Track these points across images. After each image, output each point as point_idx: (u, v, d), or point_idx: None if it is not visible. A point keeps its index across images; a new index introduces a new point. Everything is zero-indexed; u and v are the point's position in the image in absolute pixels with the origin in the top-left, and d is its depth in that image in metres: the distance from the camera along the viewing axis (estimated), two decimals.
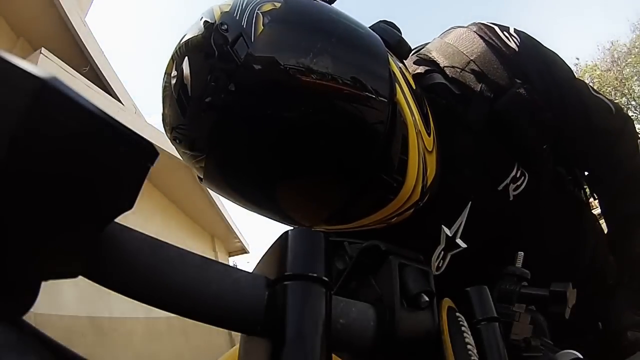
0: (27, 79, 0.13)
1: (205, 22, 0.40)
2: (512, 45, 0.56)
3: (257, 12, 0.39)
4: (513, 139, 0.55)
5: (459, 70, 0.55)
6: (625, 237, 0.64)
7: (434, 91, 0.54)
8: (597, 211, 0.73)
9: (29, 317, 0.15)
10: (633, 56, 12.10)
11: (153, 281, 0.19)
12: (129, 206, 0.16)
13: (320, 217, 0.46)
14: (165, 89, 0.42)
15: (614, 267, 0.67)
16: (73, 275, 0.17)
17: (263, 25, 0.38)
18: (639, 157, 0.64)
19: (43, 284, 0.16)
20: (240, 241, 6.60)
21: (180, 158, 0.45)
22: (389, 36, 0.47)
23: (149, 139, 0.15)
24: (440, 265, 0.56)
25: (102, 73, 4.14)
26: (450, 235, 0.56)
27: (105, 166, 0.15)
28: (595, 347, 0.61)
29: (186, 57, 0.40)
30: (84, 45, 3.89)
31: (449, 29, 0.62)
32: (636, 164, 0.63)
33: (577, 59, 12.66)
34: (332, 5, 0.45)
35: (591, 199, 0.72)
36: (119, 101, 4.05)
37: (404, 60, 0.49)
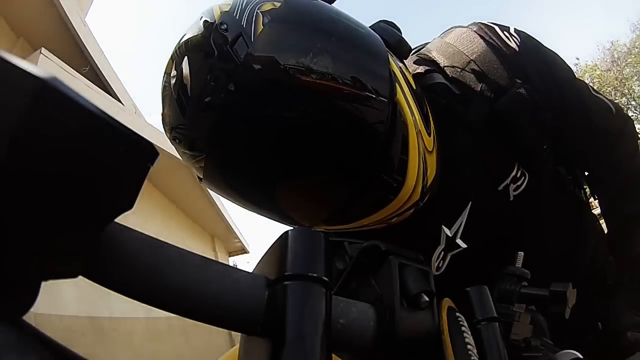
0: (27, 79, 0.13)
1: (205, 21, 0.40)
2: (512, 45, 0.56)
3: (256, 12, 0.39)
4: (513, 139, 0.55)
5: (459, 70, 0.55)
6: (625, 238, 0.64)
7: (434, 91, 0.54)
8: (597, 211, 0.73)
9: (29, 317, 0.15)
10: (633, 56, 12.10)
11: (153, 281, 0.19)
12: (129, 206, 0.16)
13: (320, 217, 0.46)
14: (164, 88, 0.42)
15: (614, 267, 0.67)
16: (73, 275, 0.17)
17: (263, 24, 0.38)
18: (639, 158, 0.64)
19: (43, 284, 0.16)
20: (240, 241, 6.60)
21: (180, 158, 0.45)
22: (389, 36, 0.47)
23: (149, 139, 0.15)
24: (440, 265, 0.56)
25: (102, 73, 4.14)
26: (450, 235, 0.56)
27: (105, 166, 0.15)
28: (595, 347, 0.61)
29: (186, 57, 0.40)
30: (84, 45, 3.89)
31: (449, 29, 0.62)
32: (636, 164, 0.63)
33: (577, 59, 12.67)
34: (332, 5, 0.45)
35: (591, 199, 0.72)
36: (119, 101, 4.05)
37: (404, 60, 0.49)
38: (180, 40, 0.42)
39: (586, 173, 0.69)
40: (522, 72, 0.55)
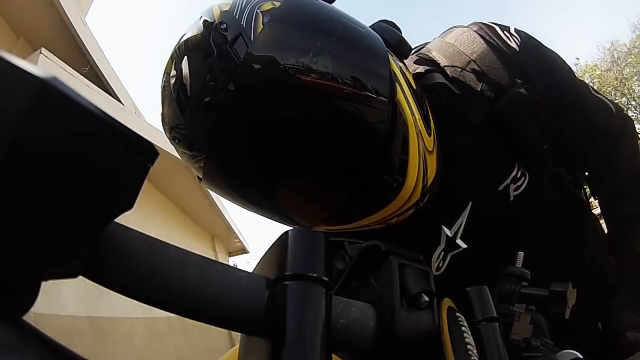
0: (27, 79, 0.13)
1: (205, 21, 0.40)
2: (512, 45, 0.56)
3: (256, 11, 0.39)
4: (514, 139, 0.55)
5: (459, 69, 0.55)
6: (625, 238, 0.64)
7: (434, 91, 0.54)
8: (597, 211, 0.73)
9: (29, 317, 0.15)
10: (633, 56, 12.10)
11: (153, 281, 0.19)
12: (129, 206, 0.16)
13: (320, 218, 0.46)
14: (164, 88, 0.42)
15: (614, 267, 0.67)
16: (73, 275, 0.17)
17: (263, 24, 0.38)
18: (639, 158, 0.64)
19: (43, 284, 0.16)
20: (240, 241, 6.60)
21: (180, 158, 0.45)
22: (389, 36, 0.47)
23: (149, 139, 0.15)
24: (440, 265, 0.56)
25: (102, 73, 4.14)
26: (450, 235, 0.56)
27: (105, 166, 0.15)
28: (595, 347, 0.61)
29: (185, 57, 0.40)
30: (84, 45, 3.89)
31: (450, 29, 0.62)
32: (636, 165, 0.63)
33: (577, 59, 12.67)
34: (332, 4, 0.45)
35: (591, 199, 0.72)
36: (119, 101, 4.05)
37: (404, 60, 0.49)
38: (180, 40, 0.42)
39: (586, 173, 0.69)
40: (522, 72, 0.55)
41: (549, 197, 0.62)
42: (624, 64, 12.28)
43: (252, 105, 0.38)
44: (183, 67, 0.39)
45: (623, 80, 12.17)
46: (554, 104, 0.56)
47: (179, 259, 0.20)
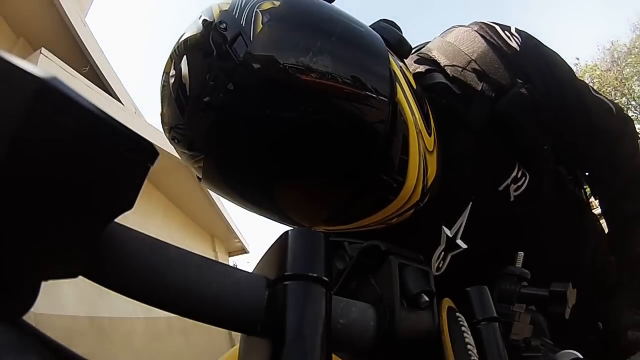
0: (27, 79, 0.13)
1: (204, 20, 0.40)
2: (513, 45, 0.56)
3: (256, 11, 0.39)
4: (514, 139, 0.55)
5: (459, 69, 0.55)
6: (625, 237, 0.64)
7: (434, 91, 0.54)
8: (597, 211, 0.73)
9: (29, 317, 0.15)
10: (633, 56, 12.11)
11: (153, 281, 0.19)
12: (129, 206, 0.16)
13: (320, 218, 0.46)
14: (163, 88, 0.42)
15: (614, 267, 0.67)
16: (73, 275, 0.17)
17: (262, 23, 0.38)
18: (639, 158, 0.64)
19: (43, 284, 0.16)
20: (240, 241, 6.59)
21: (180, 158, 0.45)
22: (390, 35, 0.47)
23: (149, 139, 0.15)
24: (440, 265, 0.56)
25: (102, 73, 4.13)
26: (450, 235, 0.56)
27: (105, 166, 0.15)
28: (596, 347, 0.61)
29: (185, 56, 0.40)
30: (84, 45, 3.89)
31: (450, 28, 0.62)
32: (636, 165, 0.63)
33: (577, 59, 12.67)
34: (332, 3, 0.45)
35: (591, 199, 0.72)
36: (119, 101, 4.05)
37: (405, 60, 0.49)
38: (179, 39, 0.42)
39: (586, 173, 0.69)
40: (523, 72, 0.55)
41: (550, 197, 0.62)
42: (624, 64, 12.28)
43: (251, 105, 0.38)
44: (182, 66, 0.39)
45: (623, 80, 12.17)
46: (555, 104, 0.56)
47: (178, 259, 0.20)
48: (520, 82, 0.54)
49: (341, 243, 0.45)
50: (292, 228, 0.24)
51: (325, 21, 0.41)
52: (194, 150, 0.42)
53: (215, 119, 0.39)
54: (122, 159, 0.15)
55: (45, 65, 2.73)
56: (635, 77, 12.17)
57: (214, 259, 0.25)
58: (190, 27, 0.41)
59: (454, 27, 0.62)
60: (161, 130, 0.45)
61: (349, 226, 0.48)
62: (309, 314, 0.20)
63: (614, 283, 0.66)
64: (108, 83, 4.18)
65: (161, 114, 0.44)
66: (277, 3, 0.40)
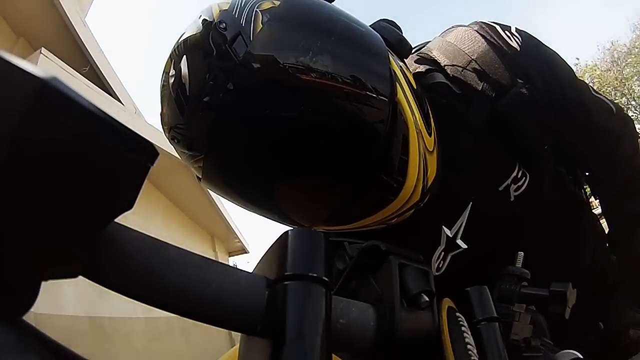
0: (27, 79, 0.13)
1: (204, 20, 0.40)
2: (513, 45, 0.56)
3: (256, 11, 0.39)
4: (514, 139, 0.55)
5: (460, 69, 0.55)
6: (625, 237, 0.64)
7: (434, 90, 0.54)
8: (597, 211, 0.73)
9: (29, 317, 0.15)
10: (633, 56, 12.11)
11: (153, 281, 0.19)
12: (129, 206, 0.16)
13: (320, 218, 0.46)
14: (163, 88, 0.42)
15: (614, 267, 0.67)
16: (73, 275, 0.17)
17: (262, 23, 0.38)
18: (639, 158, 0.64)
19: (43, 284, 0.16)
20: (240, 241, 6.59)
21: (180, 158, 0.45)
22: (390, 35, 0.47)
23: (149, 139, 0.15)
24: (440, 265, 0.56)
25: (102, 73, 4.14)
26: (450, 236, 0.56)
27: (105, 166, 0.15)
28: (596, 347, 0.61)
29: (184, 56, 0.40)
30: (84, 45, 3.89)
31: (450, 28, 0.62)
32: (636, 165, 0.63)
33: (577, 59, 12.68)
34: (332, 3, 0.45)
35: (591, 199, 0.72)
36: (119, 101, 4.05)
37: (405, 59, 0.49)
38: (179, 39, 0.41)
39: (586, 173, 0.69)
40: (523, 72, 0.55)
41: (550, 197, 0.62)
42: (624, 64, 12.29)
43: (251, 105, 0.38)
44: (182, 66, 0.39)
45: (623, 80, 12.17)
46: (555, 104, 0.56)
47: (178, 259, 0.20)
48: (521, 82, 0.54)
49: (341, 243, 0.45)
50: (292, 228, 0.24)
51: (325, 21, 0.41)
52: (193, 150, 0.42)
53: (215, 119, 0.39)
54: (122, 159, 0.15)
55: (45, 65, 2.73)
56: (635, 77, 12.18)
57: (214, 259, 0.25)
58: (190, 26, 0.41)
59: (454, 26, 0.62)
60: (161, 130, 0.45)
61: (349, 226, 0.48)
62: (309, 314, 0.20)
63: (614, 283, 0.66)
64: (108, 83, 4.18)
65: (161, 114, 0.44)
66: (277, 3, 0.40)
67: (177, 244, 0.21)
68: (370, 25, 0.47)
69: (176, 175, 3.79)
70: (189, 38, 0.40)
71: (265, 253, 0.24)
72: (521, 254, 0.48)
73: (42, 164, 0.13)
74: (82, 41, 3.85)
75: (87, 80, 3.33)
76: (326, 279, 0.21)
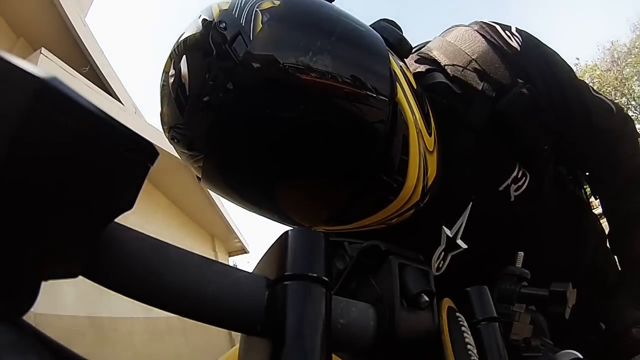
0: (27, 79, 0.13)
1: (204, 20, 0.40)
2: (514, 45, 0.56)
3: (256, 10, 0.39)
4: (515, 139, 0.55)
5: (460, 69, 0.55)
6: (625, 236, 0.64)
7: (435, 90, 0.54)
8: (597, 211, 0.73)
9: (29, 317, 0.15)
10: (633, 56, 12.12)
11: (153, 281, 0.19)
12: (129, 206, 0.16)
13: (320, 218, 0.46)
14: (163, 87, 0.42)
15: (615, 267, 0.67)
16: (73, 275, 0.17)
17: (262, 23, 0.38)
18: (639, 158, 0.64)
19: (43, 284, 0.16)
20: (240, 241, 6.60)
21: (180, 157, 0.45)
22: (390, 35, 0.47)
23: (149, 139, 0.15)
24: (440, 265, 0.56)
25: (102, 73, 4.14)
26: (450, 236, 0.56)
27: (105, 166, 0.15)
28: (597, 347, 0.61)
29: (184, 56, 0.40)
30: (84, 45, 3.89)
31: (450, 28, 0.62)
32: (636, 165, 0.63)
33: (577, 59, 12.68)
34: (332, 3, 0.44)
35: (591, 199, 0.72)
36: (119, 101, 4.05)
37: (405, 59, 0.49)
38: (179, 38, 0.41)
39: (586, 173, 0.69)
40: (523, 72, 0.55)
41: (550, 197, 0.62)
42: (624, 64, 12.29)
43: (251, 105, 0.38)
44: (182, 66, 0.39)
45: (623, 80, 12.18)
46: (555, 104, 0.56)
47: (178, 259, 0.20)
48: (521, 82, 0.54)
49: (341, 243, 0.45)
50: (292, 228, 0.24)
51: (325, 21, 0.41)
52: (193, 150, 0.42)
53: (214, 119, 0.39)
54: (122, 159, 0.15)
55: (45, 65, 2.73)
56: (635, 77, 12.18)
57: (213, 259, 0.25)
58: (189, 26, 0.41)
59: (454, 26, 0.62)
60: (161, 130, 0.45)
61: (349, 226, 0.48)
62: (309, 314, 0.20)
63: (614, 283, 0.66)
64: (108, 83, 4.18)
65: (161, 114, 0.44)
66: (277, 2, 0.39)
67: (177, 244, 0.21)
68: (370, 25, 0.47)
69: (176, 175, 3.79)
70: (188, 38, 0.40)
71: (265, 253, 0.24)
72: (521, 254, 0.48)
73: (42, 164, 0.13)
74: (82, 41, 3.86)
75: (87, 80, 3.33)
76: (326, 279, 0.21)
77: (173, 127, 0.42)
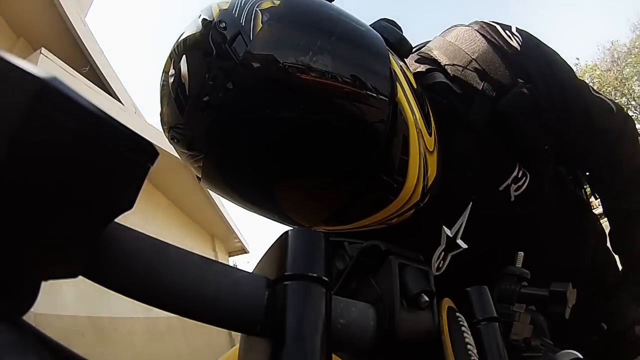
0: (27, 79, 0.13)
1: (204, 19, 0.40)
2: (514, 45, 0.56)
3: (255, 10, 0.39)
4: (515, 139, 0.55)
5: (460, 68, 0.55)
6: (625, 234, 0.64)
7: (435, 90, 0.54)
8: (597, 211, 0.73)
9: (29, 317, 0.15)
10: (633, 56, 12.12)
11: (153, 281, 0.19)
12: (129, 206, 0.16)
13: (320, 218, 0.46)
14: (163, 87, 0.42)
15: (615, 267, 0.67)
16: (73, 275, 0.17)
17: (262, 23, 0.38)
18: (639, 157, 0.64)
19: (43, 284, 0.16)
20: (240, 241, 6.60)
21: (179, 157, 0.45)
22: (390, 34, 0.47)
23: (149, 139, 0.15)
24: (440, 265, 0.56)
25: (102, 73, 4.14)
26: (450, 235, 0.56)
27: (105, 166, 0.15)
28: (598, 347, 0.61)
29: (184, 56, 0.40)
30: (84, 45, 3.89)
31: (450, 27, 0.62)
32: (636, 165, 0.63)
33: (577, 59, 12.70)
34: (332, 3, 0.44)
35: (591, 199, 0.72)
36: (119, 101, 4.05)
37: (405, 59, 0.49)
38: (179, 38, 0.41)
39: (587, 173, 0.69)
40: (524, 72, 0.55)
41: (550, 197, 0.62)
42: (624, 64, 12.30)
43: (251, 105, 0.38)
44: (182, 66, 0.39)
45: (623, 80, 12.18)
46: (556, 104, 0.56)
47: (178, 259, 0.20)
48: (522, 82, 0.54)
49: (341, 243, 0.45)
50: (292, 228, 0.24)
51: (325, 20, 0.41)
52: (193, 150, 0.42)
53: (214, 119, 0.39)
54: (122, 159, 0.15)
55: (45, 65, 2.73)
56: (635, 77, 12.19)
57: (213, 259, 0.25)
58: (189, 26, 0.41)
59: (454, 26, 0.61)
60: (161, 130, 0.45)
61: (349, 226, 0.48)
62: (309, 314, 0.20)
63: (615, 282, 0.66)
64: (108, 83, 4.18)
65: (161, 114, 0.44)
66: (277, 2, 0.39)
67: (177, 244, 0.21)
68: (370, 25, 0.47)
69: (176, 175, 3.79)
70: (188, 37, 0.40)
71: (265, 253, 0.24)
72: (521, 254, 0.48)
73: (42, 164, 0.13)
74: (82, 41, 3.86)
75: (87, 80, 3.33)
76: (326, 279, 0.21)
77: (173, 127, 0.42)
